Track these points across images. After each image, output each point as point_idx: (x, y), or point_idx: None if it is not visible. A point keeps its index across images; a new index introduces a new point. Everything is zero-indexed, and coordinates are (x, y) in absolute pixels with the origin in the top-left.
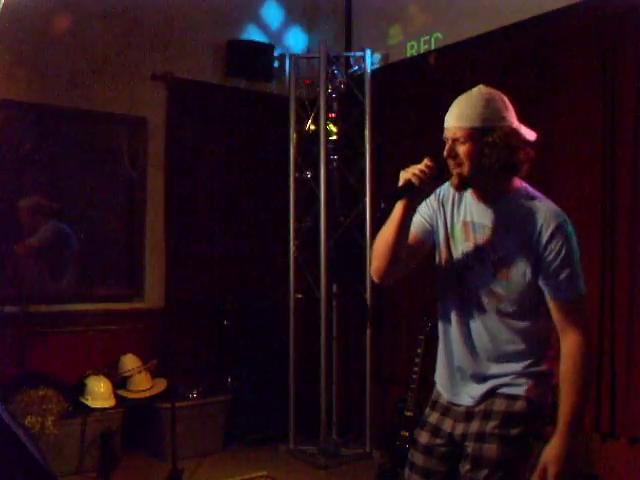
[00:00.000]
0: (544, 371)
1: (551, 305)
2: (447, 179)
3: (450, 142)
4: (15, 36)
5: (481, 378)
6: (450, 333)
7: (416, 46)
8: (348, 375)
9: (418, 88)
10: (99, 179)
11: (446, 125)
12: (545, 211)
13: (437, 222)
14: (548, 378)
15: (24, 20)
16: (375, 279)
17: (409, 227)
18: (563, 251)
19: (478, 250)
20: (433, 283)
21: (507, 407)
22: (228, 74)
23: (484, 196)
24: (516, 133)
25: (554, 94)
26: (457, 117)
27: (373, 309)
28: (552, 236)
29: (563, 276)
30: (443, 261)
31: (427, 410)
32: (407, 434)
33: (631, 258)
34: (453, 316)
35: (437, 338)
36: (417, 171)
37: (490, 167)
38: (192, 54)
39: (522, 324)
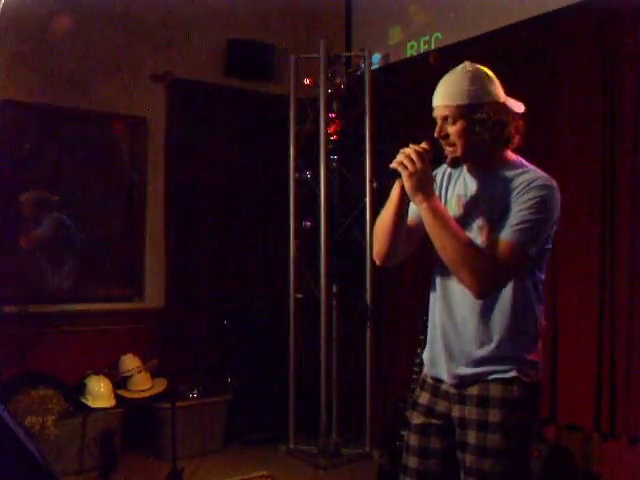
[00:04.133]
0: (533, 349)
1: (493, 238)
2: (444, 161)
3: (440, 121)
4: (16, 36)
5: (466, 358)
6: (435, 308)
7: (416, 46)
8: (348, 375)
9: (418, 88)
10: (99, 179)
11: (434, 104)
12: (530, 175)
13: None
14: (537, 354)
15: (25, 20)
16: (377, 262)
17: (407, 208)
18: (528, 201)
19: (466, 218)
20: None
21: (504, 393)
22: (228, 74)
23: (477, 169)
24: (504, 107)
25: (554, 94)
26: (444, 96)
27: (373, 309)
28: (526, 190)
29: (517, 227)
30: None
31: (417, 391)
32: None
33: (631, 258)
34: (439, 289)
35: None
36: (413, 154)
37: (481, 144)
38: (192, 54)
39: (505, 296)
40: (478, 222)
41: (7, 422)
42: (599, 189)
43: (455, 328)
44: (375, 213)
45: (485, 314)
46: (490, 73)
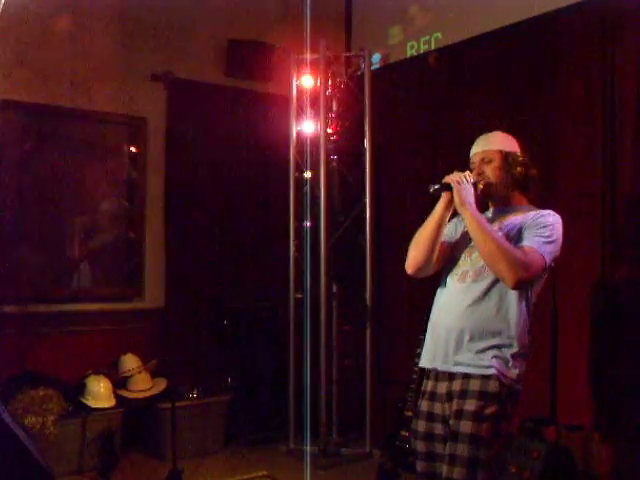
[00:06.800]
0: (517, 353)
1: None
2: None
3: (478, 163)
4: (16, 36)
5: (459, 342)
6: (440, 303)
7: (416, 46)
8: (348, 375)
9: (418, 88)
10: (99, 179)
11: (475, 151)
12: (539, 210)
13: (456, 233)
14: (519, 361)
15: (25, 20)
16: (409, 271)
17: (446, 223)
18: (542, 224)
19: None
20: (432, 284)
21: (481, 387)
22: (228, 74)
23: (498, 207)
24: (524, 156)
25: (554, 93)
26: (485, 144)
27: (373, 309)
28: (536, 217)
29: (535, 238)
30: (456, 249)
31: (419, 402)
32: (407, 434)
33: (631, 257)
34: (447, 287)
35: None
36: (464, 176)
37: (510, 179)
38: (192, 54)
39: (500, 301)
40: None
41: (7, 422)
42: (599, 183)
43: (448, 329)
44: (375, 213)
45: (475, 322)
46: None
